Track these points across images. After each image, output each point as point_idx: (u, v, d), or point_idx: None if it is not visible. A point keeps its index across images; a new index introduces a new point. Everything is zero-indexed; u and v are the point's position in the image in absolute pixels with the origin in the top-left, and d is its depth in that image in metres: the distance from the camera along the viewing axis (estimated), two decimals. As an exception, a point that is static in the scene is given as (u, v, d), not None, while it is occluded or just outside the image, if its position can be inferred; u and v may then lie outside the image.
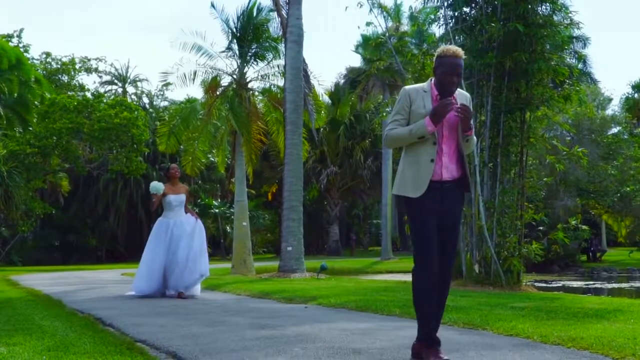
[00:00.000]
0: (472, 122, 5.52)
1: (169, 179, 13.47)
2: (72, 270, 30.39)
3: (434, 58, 5.58)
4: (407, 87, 5.67)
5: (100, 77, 60.93)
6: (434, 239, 5.44)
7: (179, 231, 13.01)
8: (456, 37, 17.04)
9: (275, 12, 25.99)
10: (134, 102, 49.68)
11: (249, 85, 29.59)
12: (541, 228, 22.23)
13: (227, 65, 29.97)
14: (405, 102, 5.53)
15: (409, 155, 5.53)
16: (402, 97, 5.58)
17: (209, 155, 42.43)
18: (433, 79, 5.59)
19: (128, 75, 62.58)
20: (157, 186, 13.20)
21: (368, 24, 35.30)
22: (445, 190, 5.47)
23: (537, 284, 21.69)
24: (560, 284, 26.65)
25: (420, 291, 5.50)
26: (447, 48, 5.50)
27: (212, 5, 29.08)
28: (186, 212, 13.38)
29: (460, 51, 5.48)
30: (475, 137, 5.71)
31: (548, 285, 24.91)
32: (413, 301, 5.61)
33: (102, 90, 59.18)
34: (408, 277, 25.88)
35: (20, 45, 48.50)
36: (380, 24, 31.89)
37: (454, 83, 5.45)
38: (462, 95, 5.61)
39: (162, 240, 13.01)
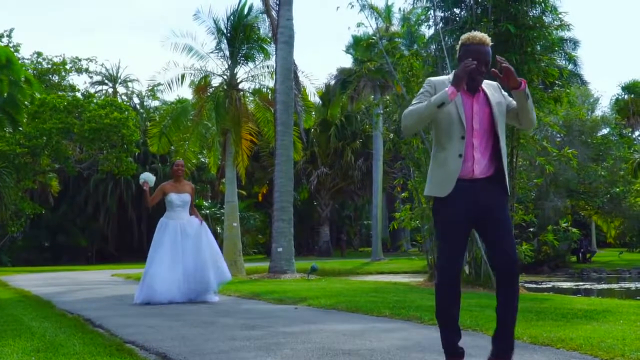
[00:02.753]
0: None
1: (173, 176, 12.45)
2: (61, 271, 30.32)
3: (458, 46, 5.17)
4: (431, 77, 5.29)
5: (91, 77, 60.85)
6: (459, 248, 5.10)
7: (182, 237, 11.88)
8: (446, 38, 17.06)
9: (265, 13, 26.01)
10: (125, 103, 49.58)
11: (240, 86, 29.61)
12: (531, 229, 22.26)
13: (218, 65, 30.02)
14: (430, 89, 5.10)
15: (437, 151, 5.11)
16: (426, 85, 5.17)
17: (200, 156, 42.40)
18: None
19: (119, 75, 62.48)
20: (147, 175, 12.35)
21: (359, 24, 35.10)
22: (479, 188, 5.01)
23: (527, 285, 21.74)
24: (550, 284, 26.72)
25: (442, 306, 5.11)
26: (472, 35, 5.09)
27: (198, 12, 29.19)
28: (191, 214, 12.30)
29: (487, 38, 5.07)
30: (528, 95, 5.06)
31: (538, 286, 24.96)
32: (435, 314, 5.22)
33: (92, 90, 59.10)
34: (398, 278, 25.94)
35: (11, 44, 48.41)
36: (370, 25, 31.84)
37: (482, 73, 5.03)
38: (489, 85, 5.19)
39: (164, 246, 11.80)
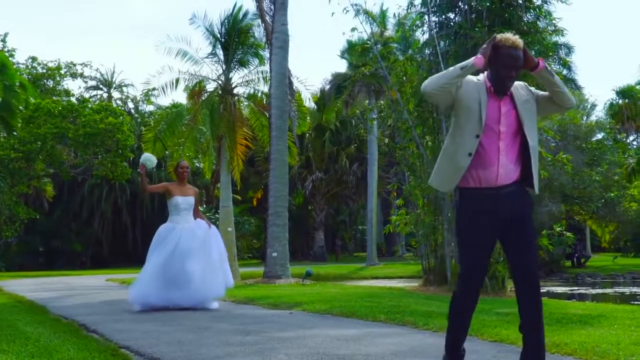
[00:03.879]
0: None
1: (177, 177, 11.88)
2: (56, 276, 30.27)
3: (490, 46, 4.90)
4: None
5: (86, 82, 60.72)
6: (483, 257, 5.02)
7: (189, 239, 11.19)
8: (441, 43, 17.08)
9: (260, 19, 26.04)
10: (119, 107, 49.47)
11: (235, 91, 29.61)
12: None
13: (213, 70, 30.03)
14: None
15: (448, 145, 4.99)
16: None
17: (195, 161, 42.38)
18: (486, 72, 5.01)
19: (113, 80, 62.43)
20: (147, 157, 11.64)
21: (353, 29, 35.20)
22: (503, 197, 4.89)
23: (521, 290, 21.68)
24: (544, 289, 26.71)
25: (457, 313, 5.10)
26: (505, 37, 4.85)
27: (194, 16, 29.20)
28: (196, 218, 11.67)
29: (519, 42, 4.85)
30: (551, 72, 4.94)
31: (533, 291, 24.94)
32: (448, 317, 5.20)
33: (87, 95, 58.99)
34: (393, 283, 25.94)
35: (5, 49, 48.31)
36: (365, 30, 31.85)
37: (512, 78, 4.87)
38: (516, 86, 5.01)
39: (166, 246, 11.11)
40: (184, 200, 11.55)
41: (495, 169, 4.85)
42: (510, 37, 4.86)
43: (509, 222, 4.91)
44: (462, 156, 4.85)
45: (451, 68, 4.90)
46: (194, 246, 11.18)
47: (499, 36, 4.90)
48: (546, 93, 5.05)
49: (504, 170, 4.86)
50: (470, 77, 4.97)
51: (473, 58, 4.81)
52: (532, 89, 5.13)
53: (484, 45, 4.88)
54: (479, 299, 5.13)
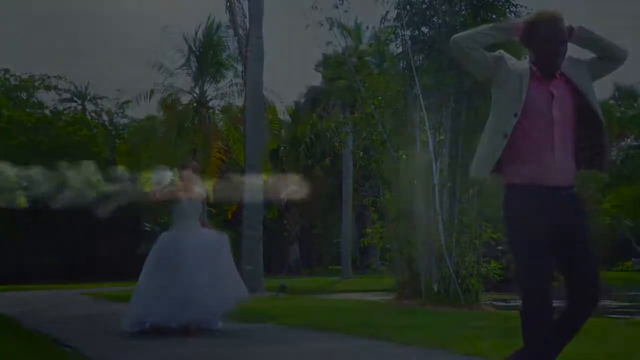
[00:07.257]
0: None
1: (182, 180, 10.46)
2: (28, 290, 30.00)
3: (524, 28, 4.38)
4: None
5: (60, 94, 60.27)
6: (543, 267, 4.26)
7: (191, 250, 9.72)
8: (415, 57, 17.14)
9: (233, 32, 26.07)
10: (93, 120, 49.21)
11: (209, 104, 29.63)
12: (500, 247, 22.38)
13: (187, 82, 30.07)
14: (497, 54, 4.39)
15: (488, 124, 4.37)
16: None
17: (170, 174, 42.27)
18: (528, 58, 4.43)
19: (87, 92, 62.06)
20: (161, 174, 10.82)
21: (327, 43, 35.18)
22: (562, 199, 4.22)
23: (495, 303, 21.75)
24: (518, 303, 26.77)
25: (536, 338, 4.43)
26: (542, 11, 4.29)
27: (166, 27, 29.30)
28: (202, 226, 10.30)
29: (559, 12, 4.28)
30: (588, 30, 4.44)
31: (507, 304, 24.95)
32: (527, 347, 4.50)
33: (61, 107, 58.60)
34: (368, 297, 25.89)
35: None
36: (339, 43, 31.77)
37: (561, 53, 4.27)
38: (567, 63, 4.38)
39: (164, 259, 9.75)
40: (189, 204, 10.15)
41: (551, 163, 4.18)
42: (547, 10, 4.32)
43: (569, 231, 4.27)
44: (498, 137, 4.22)
45: (489, 25, 4.50)
46: (192, 258, 9.69)
47: (533, 14, 4.39)
48: (593, 56, 4.50)
49: (561, 167, 4.20)
50: (513, 58, 4.43)
51: (514, 21, 4.44)
52: (578, 58, 4.52)
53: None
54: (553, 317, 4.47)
